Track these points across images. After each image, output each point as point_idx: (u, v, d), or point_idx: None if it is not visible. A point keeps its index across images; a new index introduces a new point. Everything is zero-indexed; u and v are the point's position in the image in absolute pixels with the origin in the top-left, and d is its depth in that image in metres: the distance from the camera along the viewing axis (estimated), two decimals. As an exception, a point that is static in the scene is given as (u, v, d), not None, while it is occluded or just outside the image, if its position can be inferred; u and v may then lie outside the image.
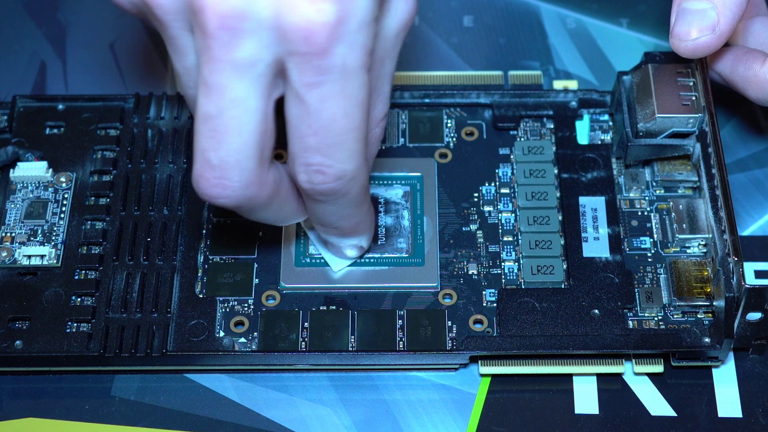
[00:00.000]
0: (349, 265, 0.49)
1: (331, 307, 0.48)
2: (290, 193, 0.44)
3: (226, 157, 0.40)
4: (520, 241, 0.50)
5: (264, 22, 0.39)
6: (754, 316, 0.45)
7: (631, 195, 0.51)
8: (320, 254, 0.49)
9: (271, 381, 0.48)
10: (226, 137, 0.40)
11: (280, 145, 0.42)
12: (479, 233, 0.50)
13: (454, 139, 0.53)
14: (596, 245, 0.49)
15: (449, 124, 0.53)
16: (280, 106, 0.41)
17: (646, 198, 0.51)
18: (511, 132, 0.53)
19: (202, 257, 0.49)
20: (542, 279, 0.49)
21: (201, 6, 0.39)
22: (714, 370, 0.48)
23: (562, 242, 0.49)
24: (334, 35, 0.38)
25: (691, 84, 0.49)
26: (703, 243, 0.49)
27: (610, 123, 0.53)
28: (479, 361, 0.48)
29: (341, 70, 0.39)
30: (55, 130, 0.53)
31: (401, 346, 0.47)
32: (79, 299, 0.48)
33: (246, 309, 0.48)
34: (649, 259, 0.49)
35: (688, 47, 0.47)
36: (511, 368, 0.47)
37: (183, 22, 0.41)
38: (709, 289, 0.47)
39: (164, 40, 0.42)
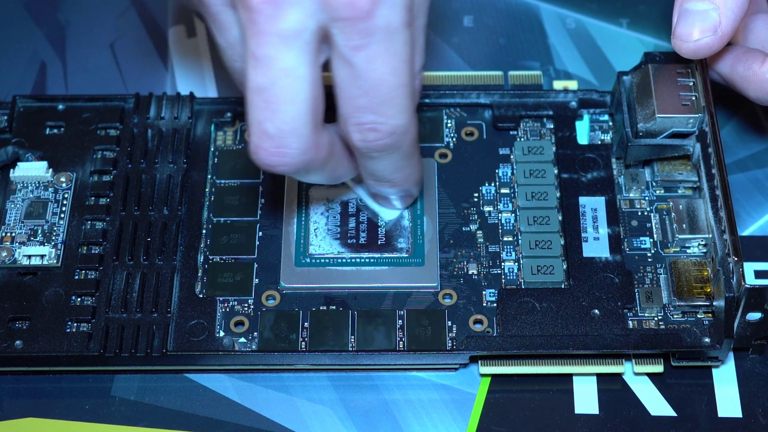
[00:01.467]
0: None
1: (331, 307, 0.48)
2: (343, 152, 0.45)
3: (283, 126, 0.41)
4: (520, 241, 0.50)
5: None
6: (754, 316, 0.45)
7: (631, 195, 0.51)
8: (323, 254, 0.49)
9: (271, 381, 0.48)
10: (280, 106, 0.41)
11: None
12: (479, 233, 0.50)
13: (454, 139, 0.53)
14: (596, 245, 0.49)
15: (449, 124, 0.53)
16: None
17: (646, 198, 0.51)
18: (511, 132, 0.53)
19: (202, 257, 0.49)
20: (542, 279, 0.49)
21: None
22: (714, 370, 0.48)
23: (562, 242, 0.49)
24: None
25: (691, 84, 0.49)
26: (703, 243, 0.49)
27: (610, 123, 0.53)
28: (479, 361, 0.48)
29: (385, 30, 0.40)
30: (55, 130, 0.53)
31: (401, 346, 0.47)
32: (79, 299, 0.48)
33: (246, 309, 0.48)
34: (649, 259, 0.49)
35: (689, 48, 0.47)
36: (511, 368, 0.47)
37: (222, 3, 0.42)
38: (709, 289, 0.47)
39: (205, 18, 0.43)
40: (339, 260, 0.49)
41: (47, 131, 0.52)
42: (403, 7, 0.40)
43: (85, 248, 0.49)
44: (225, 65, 0.44)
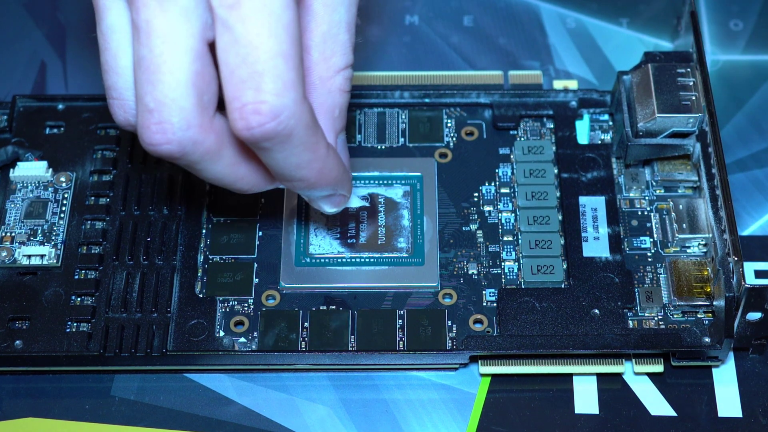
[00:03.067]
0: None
1: (331, 307, 0.48)
2: (243, 150, 0.43)
3: (162, 97, 0.40)
4: (520, 240, 0.50)
5: None
6: (754, 315, 0.45)
7: (631, 195, 0.51)
8: (323, 254, 0.49)
9: (271, 381, 0.48)
10: (159, 75, 0.40)
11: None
12: (479, 233, 0.50)
13: (454, 139, 0.53)
14: (596, 245, 0.49)
15: (449, 124, 0.53)
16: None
17: (646, 198, 0.51)
18: (511, 132, 0.53)
19: (202, 257, 0.49)
20: (542, 279, 0.49)
21: None
22: (714, 370, 0.48)
23: (562, 242, 0.49)
24: None
25: (691, 84, 0.49)
26: (703, 243, 0.49)
27: (610, 123, 0.53)
28: (479, 361, 0.48)
29: None
30: (55, 130, 0.53)
31: (401, 345, 0.47)
32: (79, 299, 0.48)
33: (246, 309, 0.48)
34: (649, 259, 0.49)
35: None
36: (511, 368, 0.47)
37: None
38: (709, 289, 0.47)
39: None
40: (339, 260, 0.49)
41: (47, 131, 0.52)
42: None
43: (84, 248, 0.49)
44: (102, 57, 0.43)
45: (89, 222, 0.50)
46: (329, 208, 0.47)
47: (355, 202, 0.50)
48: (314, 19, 0.43)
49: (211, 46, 0.40)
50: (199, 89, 0.40)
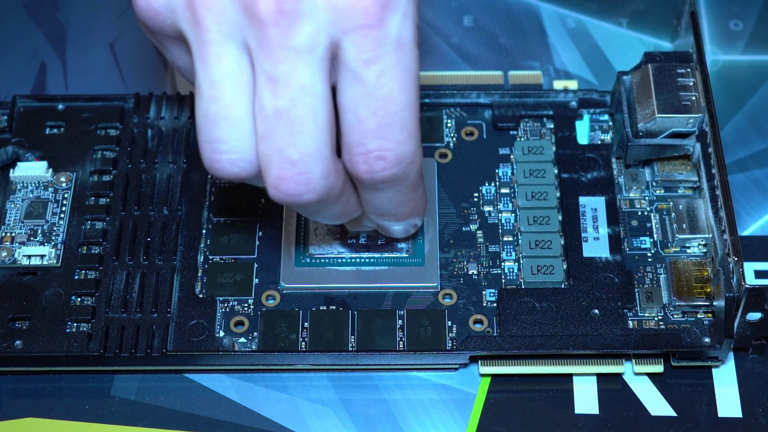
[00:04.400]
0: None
1: (331, 307, 0.48)
2: (352, 185, 0.44)
3: (306, 149, 0.40)
4: (520, 241, 0.50)
5: (318, 2, 0.39)
6: (754, 316, 0.45)
7: (631, 195, 0.51)
8: (323, 254, 0.49)
9: (271, 381, 0.48)
10: (303, 128, 0.40)
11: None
12: (479, 233, 0.50)
13: (454, 139, 0.53)
14: (596, 245, 0.49)
15: (449, 124, 0.53)
16: None
17: (646, 198, 0.51)
18: (511, 132, 0.53)
19: (202, 257, 0.49)
20: (542, 279, 0.49)
21: None
22: (714, 370, 0.48)
23: (562, 242, 0.49)
24: (388, 5, 0.39)
25: (691, 84, 0.49)
26: (703, 243, 0.49)
27: (610, 123, 0.53)
28: (479, 361, 0.48)
29: (397, 41, 0.40)
30: (55, 130, 0.53)
31: (401, 346, 0.47)
32: (79, 299, 0.48)
33: (246, 309, 0.48)
34: (649, 259, 0.49)
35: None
36: (511, 368, 0.47)
37: (225, 24, 0.40)
38: (709, 289, 0.47)
39: (194, 51, 0.41)
40: (339, 260, 0.49)
41: (47, 131, 0.52)
42: (412, 20, 0.40)
43: (85, 248, 0.49)
44: (201, 109, 0.41)
45: (89, 222, 0.50)
46: (403, 235, 0.48)
47: None
48: None
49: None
50: (333, 136, 0.41)
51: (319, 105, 0.40)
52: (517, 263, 0.49)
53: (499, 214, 0.50)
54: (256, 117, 0.40)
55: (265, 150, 0.40)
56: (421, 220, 0.48)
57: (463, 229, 0.50)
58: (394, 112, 0.40)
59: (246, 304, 0.48)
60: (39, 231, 0.50)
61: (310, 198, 0.41)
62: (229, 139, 0.41)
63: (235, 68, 0.40)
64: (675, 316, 0.48)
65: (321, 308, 0.48)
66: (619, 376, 0.48)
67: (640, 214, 0.50)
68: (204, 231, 0.50)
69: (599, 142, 0.52)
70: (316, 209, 0.43)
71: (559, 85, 0.55)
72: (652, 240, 0.50)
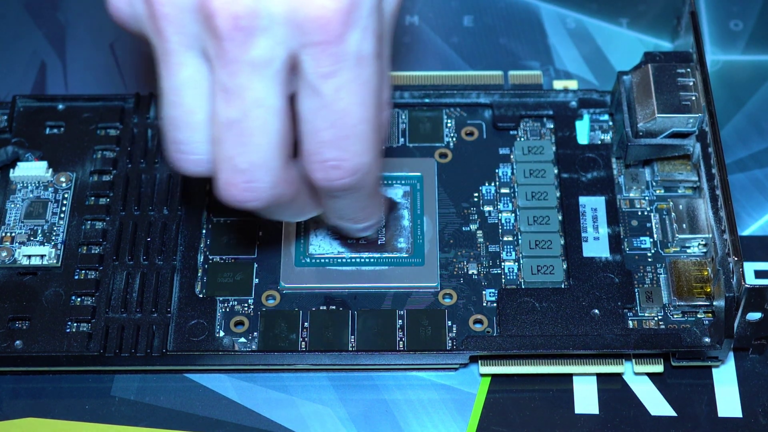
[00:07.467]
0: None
1: (331, 307, 0.48)
2: (308, 189, 0.44)
3: (255, 160, 0.41)
4: (520, 241, 0.50)
5: (276, 17, 0.39)
6: (754, 316, 0.45)
7: (631, 195, 0.51)
8: (323, 254, 0.49)
9: (271, 381, 0.48)
10: (252, 139, 0.40)
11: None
12: (479, 233, 0.50)
13: (454, 139, 0.53)
14: (596, 245, 0.49)
15: (449, 124, 0.53)
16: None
17: (646, 198, 0.51)
18: (511, 132, 0.53)
19: (202, 257, 0.49)
20: (542, 279, 0.49)
21: (213, 9, 0.39)
22: (714, 370, 0.48)
23: (562, 242, 0.49)
24: (349, 21, 0.39)
25: (691, 84, 0.49)
26: (703, 243, 0.49)
27: (610, 123, 0.53)
28: (479, 361, 0.48)
29: (356, 56, 0.40)
30: (55, 130, 0.53)
31: (401, 345, 0.47)
32: (79, 299, 0.48)
33: (246, 309, 0.48)
34: (649, 259, 0.49)
35: None
36: (511, 368, 0.47)
37: (184, 35, 0.40)
38: (709, 289, 0.47)
39: (158, 57, 0.41)
40: (339, 260, 0.49)
41: (47, 131, 0.52)
42: (374, 35, 0.40)
43: (85, 248, 0.49)
44: (163, 112, 0.42)
45: (89, 222, 0.50)
46: (362, 234, 0.49)
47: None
48: None
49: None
50: (285, 147, 0.41)
51: (271, 118, 0.40)
52: (517, 263, 0.49)
53: (499, 214, 0.50)
54: (212, 123, 0.41)
55: (217, 155, 0.41)
56: (378, 222, 0.48)
57: (463, 229, 0.50)
58: (352, 125, 0.41)
59: (246, 304, 0.48)
60: (39, 231, 0.50)
61: (256, 205, 0.42)
62: (189, 142, 0.42)
63: (195, 76, 0.41)
64: (675, 316, 0.48)
65: (321, 308, 0.48)
66: (619, 376, 0.48)
67: (640, 214, 0.50)
68: (204, 231, 0.50)
69: (599, 142, 0.52)
70: (268, 212, 0.44)
71: (559, 85, 0.55)
72: (652, 240, 0.50)
